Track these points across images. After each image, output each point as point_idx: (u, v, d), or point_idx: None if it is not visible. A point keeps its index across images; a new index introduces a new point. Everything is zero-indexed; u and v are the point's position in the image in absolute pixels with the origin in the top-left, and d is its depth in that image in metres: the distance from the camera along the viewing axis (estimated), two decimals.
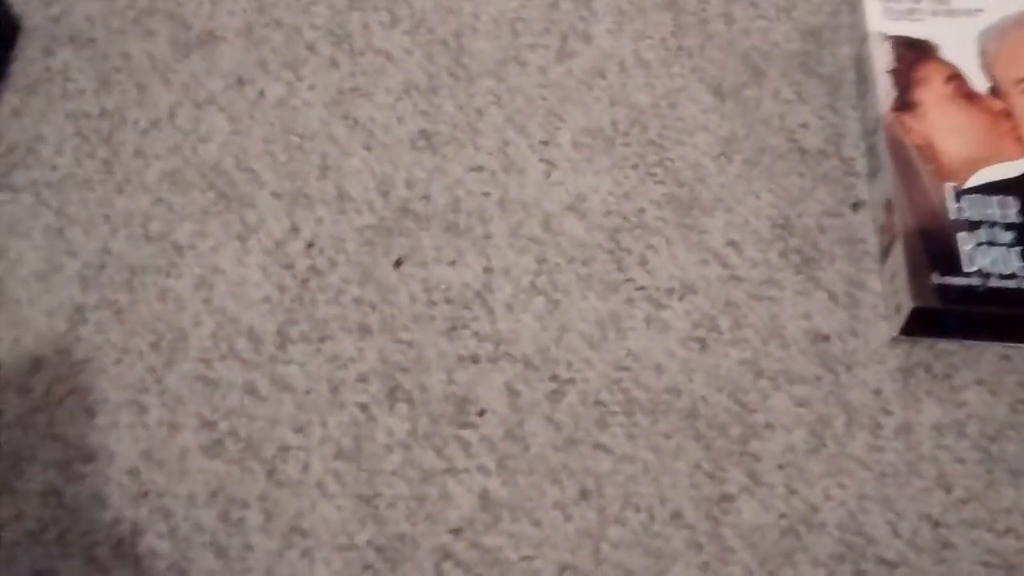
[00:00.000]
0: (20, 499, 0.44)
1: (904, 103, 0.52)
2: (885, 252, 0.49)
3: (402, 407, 0.46)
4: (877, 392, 0.46)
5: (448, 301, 0.50)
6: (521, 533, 0.43)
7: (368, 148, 0.54)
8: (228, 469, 0.45)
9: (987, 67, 0.53)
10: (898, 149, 0.50)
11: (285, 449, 0.45)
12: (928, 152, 0.50)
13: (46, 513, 0.44)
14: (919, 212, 0.48)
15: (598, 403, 0.46)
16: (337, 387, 0.47)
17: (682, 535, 0.43)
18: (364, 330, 0.49)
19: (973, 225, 0.47)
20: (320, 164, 0.54)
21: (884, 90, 0.52)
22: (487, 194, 0.53)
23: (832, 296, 0.49)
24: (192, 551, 0.43)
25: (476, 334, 0.48)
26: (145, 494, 0.44)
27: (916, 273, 0.46)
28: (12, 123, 0.56)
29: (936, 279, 0.46)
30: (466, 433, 0.46)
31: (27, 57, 0.58)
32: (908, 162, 0.50)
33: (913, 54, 0.53)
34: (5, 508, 0.44)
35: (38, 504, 0.44)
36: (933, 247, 0.47)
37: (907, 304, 0.46)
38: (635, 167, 0.53)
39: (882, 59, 0.53)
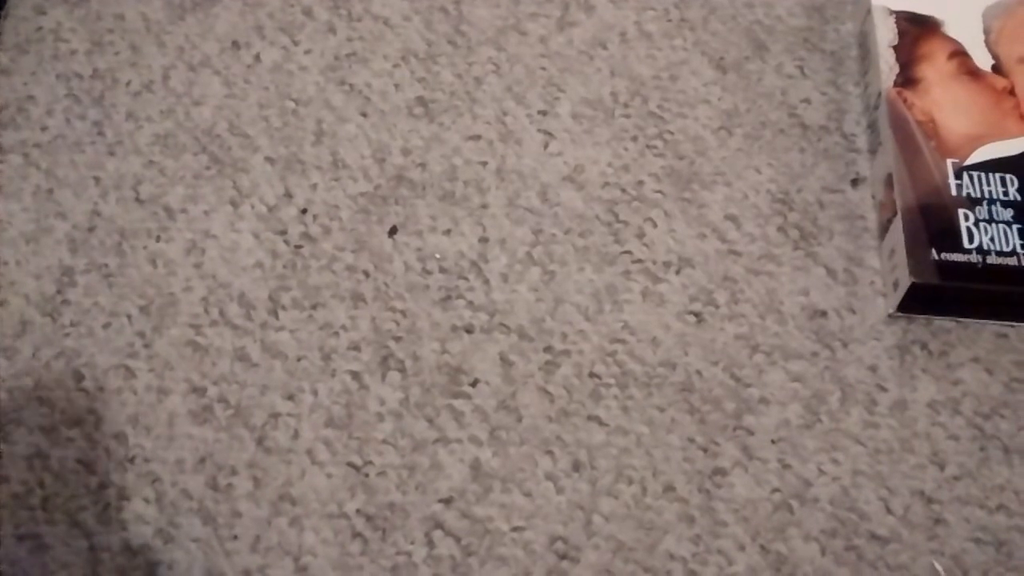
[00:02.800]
0: (5, 463, 0.44)
1: (907, 79, 0.51)
2: (884, 228, 0.49)
3: (394, 376, 0.46)
4: (873, 368, 0.46)
5: (443, 270, 0.49)
6: (512, 504, 0.43)
7: (364, 115, 0.54)
8: (217, 435, 0.44)
9: (991, 44, 0.52)
10: (900, 124, 0.50)
11: (275, 416, 0.45)
12: (930, 128, 0.49)
13: (31, 477, 0.43)
14: (920, 188, 0.48)
15: (592, 375, 0.46)
16: (329, 355, 0.46)
17: (674, 508, 0.43)
18: (357, 298, 0.48)
19: (973, 202, 0.47)
20: (315, 130, 0.53)
21: (887, 65, 0.52)
22: (484, 163, 0.52)
23: (830, 272, 0.49)
24: (179, 517, 0.42)
25: (471, 304, 0.48)
26: (132, 459, 0.44)
27: (915, 249, 0.46)
28: (2, 82, 0.55)
29: (935, 255, 0.46)
30: (459, 403, 0.45)
31: (18, 16, 0.57)
32: (909, 138, 0.49)
33: (917, 29, 0.53)
34: None
35: (24, 468, 0.44)
36: (933, 223, 0.46)
37: (905, 280, 0.46)
38: (635, 139, 0.53)
39: (885, 34, 0.53)
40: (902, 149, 0.49)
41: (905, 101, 0.50)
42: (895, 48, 0.52)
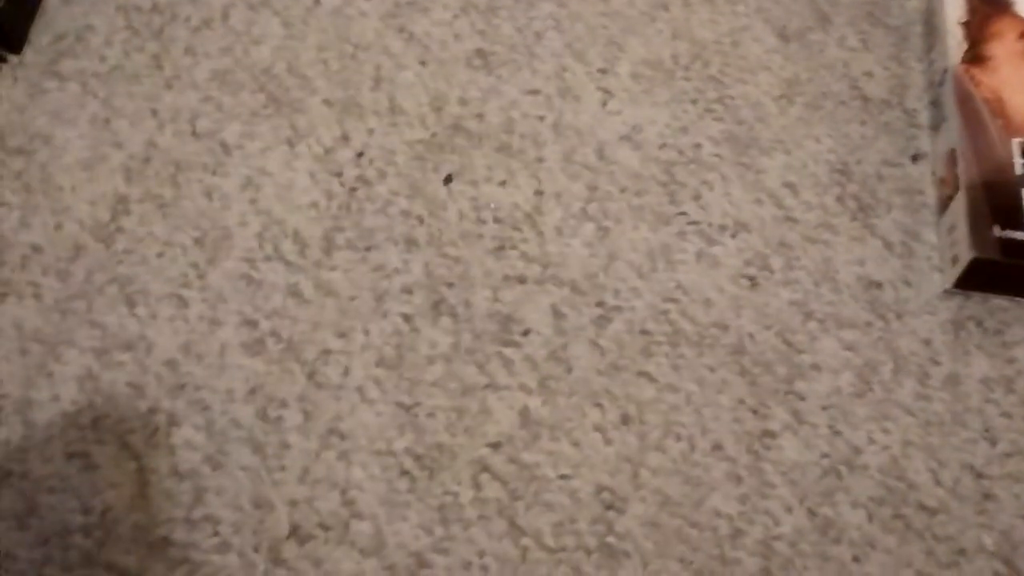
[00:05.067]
0: (56, 381, 0.44)
1: (975, 56, 0.51)
2: (944, 204, 0.49)
3: (446, 321, 0.46)
4: (927, 342, 0.46)
5: (497, 220, 0.49)
6: (560, 452, 0.43)
7: (423, 63, 0.53)
8: (268, 368, 0.44)
9: None
10: (966, 101, 0.49)
11: (327, 352, 0.45)
12: (997, 107, 0.49)
13: (82, 397, 0.44)
14: (984, 165, 0.47)
15: (644, 332, 0.46)
16: (381, 296, 0.46)
17: (722, 467, 0.43)
18: (411, 242, 0.48)
19: None
20: (373, 75, 0.53)
21: (955, 41, 0.51)
22: (542, 118, 0.52)
23: (887, 244, 0.48)
24: (228, 445, 0.43)
25: (524, 255, 0.48)
26: (183, 386, 0.44)
27: (977, 225, 0.45)
28: (61, 11, 0.55)
29: (998, 232, 0.45)
30: (509, 351, 0.45)
31: None
32: (975, 115, 0.49)
33: (988, 8, 0.52)
34: (42, 389, 0.44)
35: (75, 388, 0.44)
36: (996, 200, 0.46)
37: (966, 255, 0.45)
38: (694, 102, 0.52)
39: (955, 10, 0.52)
40: (967, 126, 0.48)
41: (972, 78, 0.50)
42: (964, 25, 0.52)
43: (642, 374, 0.45)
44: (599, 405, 0.44)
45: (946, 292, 0.47)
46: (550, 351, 0.45)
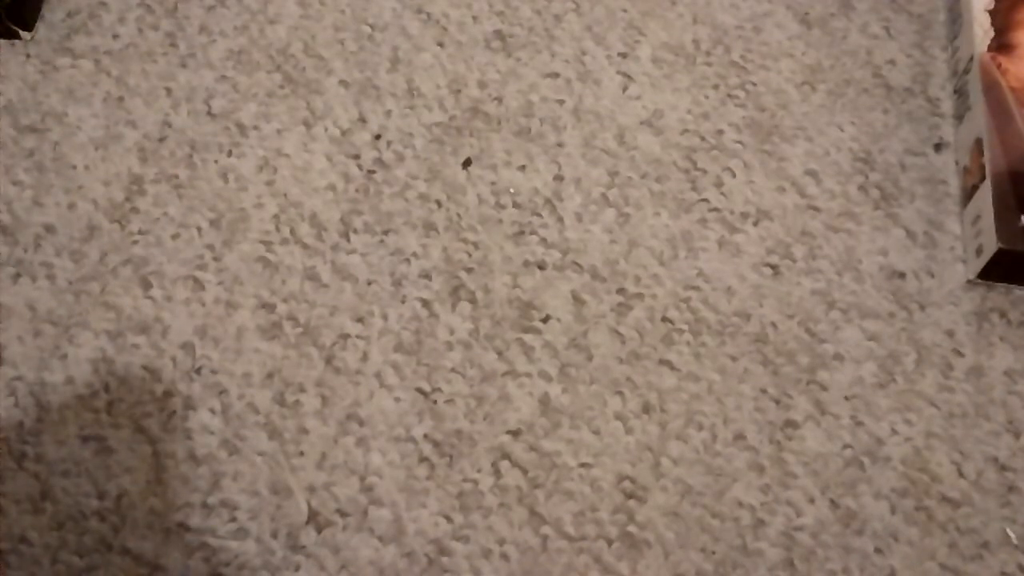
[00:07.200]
0: (70, 363, 0.43)
1: (1001, 44, 0.50)
2: (968, 194, 0.48)
3: (465, 306, 0.45)
4: (950, 333, 0.45)
5: (516, 205, 0.48)
6: (580, 440, 0.42)
7: (441, 45, 0.53)
8: (285, 352, 0.44)
9: None
10: (992, 89, 0.49)
11: (344, 337, 0.44)
12: (1023, 95, 0.48)
13: (96, 380, 0.43)
14: (1011, 154, 0.47)
15: (665, 320, 0.45)
16: (399, 281, 0.46)
17: (744, 456, 0.42)
18: (429, 227, 0.47)
19: None
20: (391, 57, 0.52)
21: (981, 29, 0.50)
22: (561, 102, 0.51)
23: (910, 234, 0.48)
24: (245, 430, 0.42)
25: (543, 241, 0.47)
26: (199, 370, 0.43)
27: (1004, 215, 0.45)
28: None
29: None
30: (529, 338, 0.45)
31: None
32: (1002, 103, 0.48)
33: None
34: (56, 372, 0.43)
35: (89, 371, 0.43)
36: (1023, 190, 0.46)
37: (991, 245, 0.45)
38: (715, 88, 0.52)
39: None
40: (994, 115, 0.48)
41: (999, 67, 0.49)
42: (991, 13, 0.51)
43: (663, 362, 0.44)
44: (620, 393, 0.44)
45: (969, 283, 0.47)
46: (570, 338, 0.45)
